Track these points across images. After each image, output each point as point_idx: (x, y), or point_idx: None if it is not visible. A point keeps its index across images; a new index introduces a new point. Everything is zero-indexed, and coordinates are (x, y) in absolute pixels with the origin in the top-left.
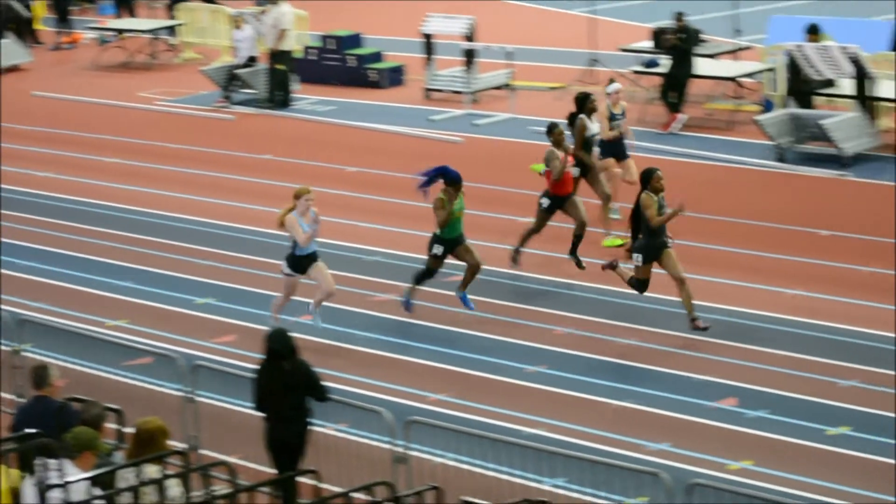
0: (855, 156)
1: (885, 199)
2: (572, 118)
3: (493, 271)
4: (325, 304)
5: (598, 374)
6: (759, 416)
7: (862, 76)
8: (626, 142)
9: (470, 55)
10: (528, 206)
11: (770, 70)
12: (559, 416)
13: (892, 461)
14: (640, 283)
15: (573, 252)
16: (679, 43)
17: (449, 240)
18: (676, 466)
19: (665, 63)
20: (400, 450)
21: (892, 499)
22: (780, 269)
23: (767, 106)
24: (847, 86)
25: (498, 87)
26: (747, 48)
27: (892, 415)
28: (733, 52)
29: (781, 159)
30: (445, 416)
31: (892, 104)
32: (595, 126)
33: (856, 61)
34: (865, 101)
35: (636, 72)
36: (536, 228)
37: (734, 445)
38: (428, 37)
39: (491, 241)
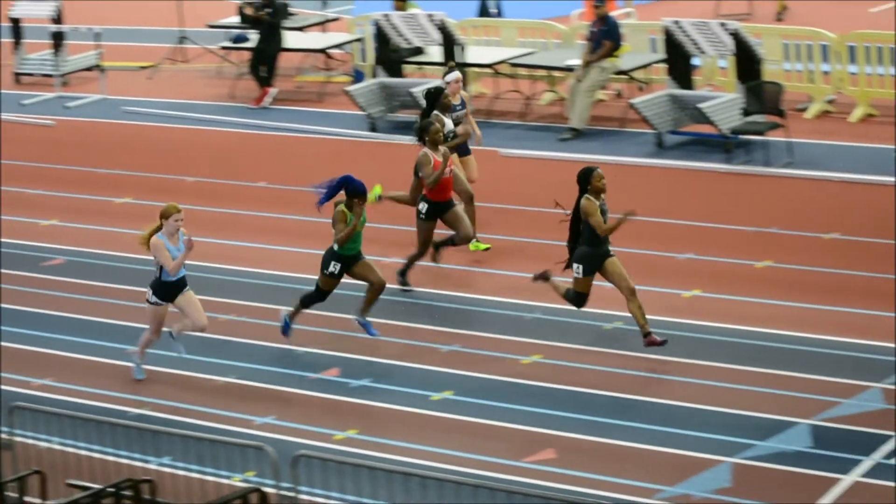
0: None
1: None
2: (424, 115)
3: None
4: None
5: (200, 352)
6: (363, 385)
7: (450, 43)
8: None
9: (58, 38)
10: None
11: (358, 40)
12: (158, 395)
13: (493, 423)
14: (578, 297)
15: (436, 252)
16: (266, 17)
17: (348, 257)
18: (283, 439)
19: (253, 38)
20: (5, 436)
21: (498, 460)
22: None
23: (357, 76)
24: (435, 53)
25: (88, 69)
26: (335, 19)
27: (490, 376)
28: (322, 24)
29: (374, 129)
30: (52, 402)
31: (482, 69)
32: (450, 122)
33: (443, 28)
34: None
35: (224, 48)
36: (421, 250)
37: (339, 415)
38: (15, 21)
39: None
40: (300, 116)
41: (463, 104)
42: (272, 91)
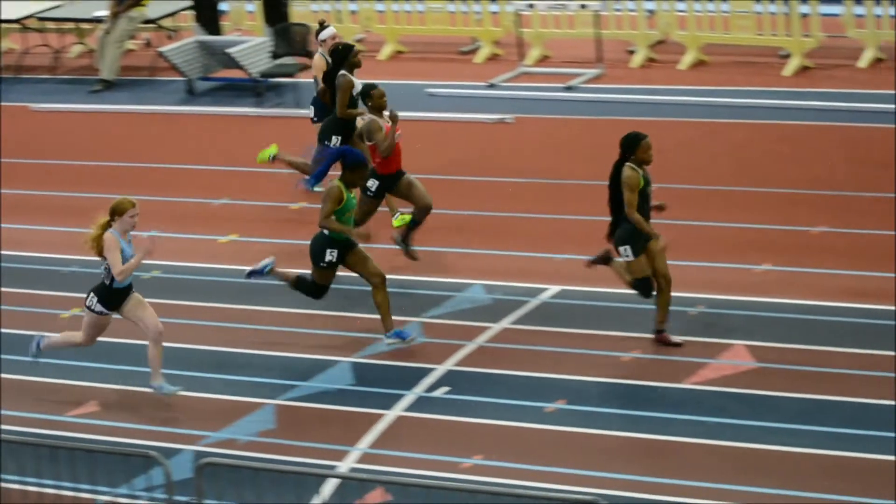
0: None
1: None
2: (330, 75)
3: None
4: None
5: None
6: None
7: None
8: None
9: None
10: None
11: None
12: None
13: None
14: (641, 285)
15: (405, 240)
16: None
17: (342, 242)
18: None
19: None
20: None
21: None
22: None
23: None
24: None
25: None
26: None
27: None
28: None
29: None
30: None
31: (9, 25)
32: (360, 83)
33: None
34: None
35: None
36: (361, 220)
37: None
38: None
39: None
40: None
41: None
42: None
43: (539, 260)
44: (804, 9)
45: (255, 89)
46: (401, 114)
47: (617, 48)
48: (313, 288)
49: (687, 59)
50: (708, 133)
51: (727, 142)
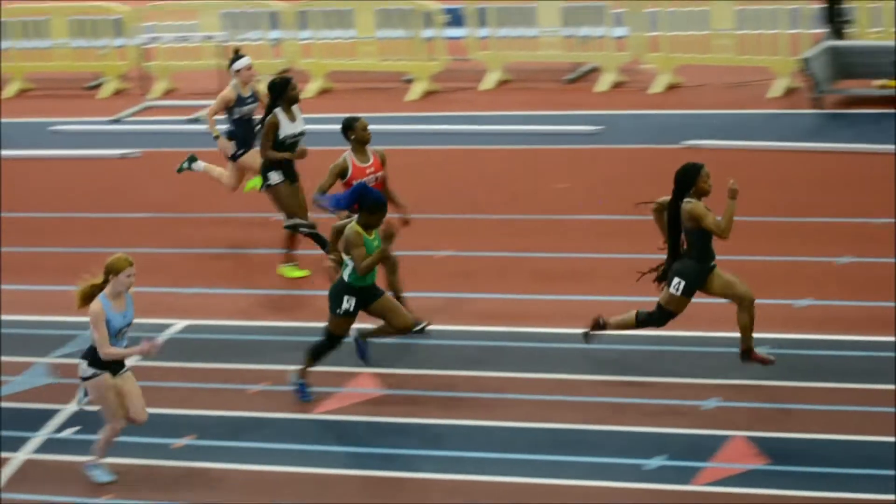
0: None
1: None
2: (269, 110)
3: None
4: None
5: None
6: None
7: None
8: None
9: None
10: None
11: None
12: None
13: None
14: (664, 315)
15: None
16: None
17: (364, 289)
18: None
19: None
20: None
21: None
22: None
23: None
24: None
25: None
26: None
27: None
28: None
29: None
30: None
31: None
32: (290, 125)
33: None
34: None
35: None
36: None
37: None
38: None
39: None
40: None
41: (253, 96)
42: None
43: (166, 295)
44: (428, 33)
45: None
46: (23, 152)
47: None
48: (326, 339)
49: (313, 87)
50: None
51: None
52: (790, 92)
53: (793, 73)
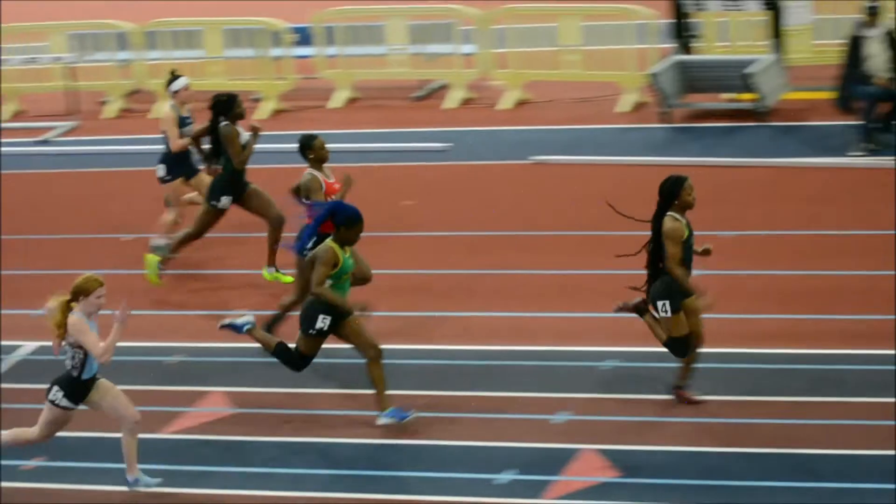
0: None
1: None
2: (213, 126)
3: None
4: None
5: None
6: None
7: None
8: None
9: None
10: None
11: None
12: None
13: None
14: (677, 344)
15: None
16: None
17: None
18: None
19: None
20: None
21: None
22: None
23: None
24: None
25: None
26: None
27: None
28: None
29: None
30: None
31: None
32: (247, 135)
33: None
34: None
35: None
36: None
37: None
38: None
39: None
40: None
41: (191, 116)
42: None
43: (19, 317)
44: (277, 52)
45: None
46: None
47: (91, 99)
48: (296, 357)
49: (162, 108)
50: None
51: None
52: (638, 106)
53: (641, 87)
